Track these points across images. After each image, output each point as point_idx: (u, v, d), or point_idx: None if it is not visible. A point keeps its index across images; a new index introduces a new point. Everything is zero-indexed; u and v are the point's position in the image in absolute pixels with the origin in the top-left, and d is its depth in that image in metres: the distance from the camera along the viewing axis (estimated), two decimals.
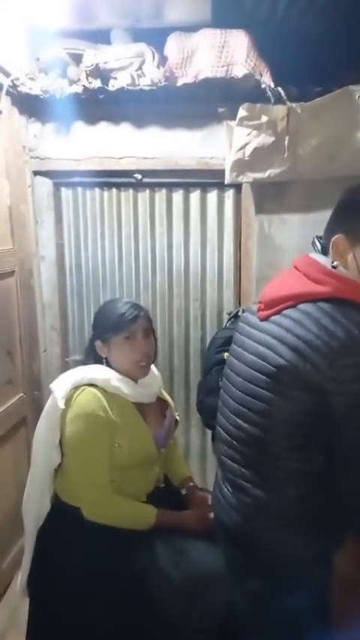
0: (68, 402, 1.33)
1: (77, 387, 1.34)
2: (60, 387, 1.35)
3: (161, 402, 1.53)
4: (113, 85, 2.00)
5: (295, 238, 2.07)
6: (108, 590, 1.26)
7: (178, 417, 1.57)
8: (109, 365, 1.42)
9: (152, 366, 1.49)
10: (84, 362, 1.47)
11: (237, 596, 1.19)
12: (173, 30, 2.04)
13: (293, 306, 1.03)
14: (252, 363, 1.08)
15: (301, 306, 1.02)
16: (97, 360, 1.44)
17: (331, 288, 1.01)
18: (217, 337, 2.10)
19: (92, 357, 1.45)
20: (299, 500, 1.03)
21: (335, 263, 1.05)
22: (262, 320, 1.10)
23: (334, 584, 1.04)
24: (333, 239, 1.05)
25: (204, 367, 2.16)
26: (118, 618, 1.25)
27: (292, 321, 1.01)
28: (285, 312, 1.04)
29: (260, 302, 1.14)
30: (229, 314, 2.20)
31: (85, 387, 1.34)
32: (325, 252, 1.11)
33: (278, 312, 1.05)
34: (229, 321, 2.19)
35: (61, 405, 1.32)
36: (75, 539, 1.32)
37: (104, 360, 1.42)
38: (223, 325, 2.21)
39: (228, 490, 1.16)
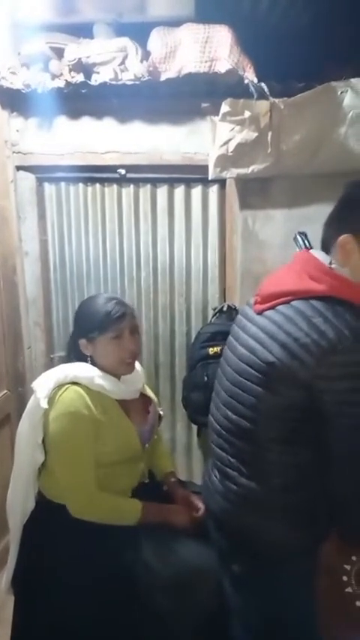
0: (51, 400, 1.32)
1: (60, 385, 1.33)
2: (42, 386, 1.34)
3: (145, 398, 1.53)
4: (96, 80, 1.99)
5: (280, 234, 2.08)
6: (94, 587, 1.26)
7: (161, 413, 1.58)
8: (93, 363, 1.40)
9: (136, 362, 1.49)
10: (66, 359, 1.46)
11: (225, 586, 1.20)
12: (156, 25, 2.03)
13: (287, 303, 1.04)
14: (243, 357, 1.09)
15: (295, 303, 1.02)
16: (80, 357, 1.42)
17: (326, 287, 1.02)
18: (202, 332, 2.12)
19: (74, 355, 1.43)
20: (285, 490, 1.05)
21: (333, 264, 1.05)
22: (257, 314, 1.11)
23: (319, 572, 1.06)
24: (340, 239, 1.04)
25: (189, 362, 2.18)
26: (105, 614, 1.25)
27: (284, 317, 1.02)
28: (279, 307, 1.05)
29: (257, 295, 1.15)
30: (214, 309, 2.21)
31: (69, 385, 1.34)
32: (324, 247, 1.10)
33: (272, 307, 1.06)
34: (214, 316, 2.20)
35: (44, 405, 1.31)
36: (60, 536, 1.32)
37: (88, 359, 1.41)
38: (209, 320, 2.22)
39: (216, 477, 1.18)
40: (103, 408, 1.34)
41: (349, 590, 1.02)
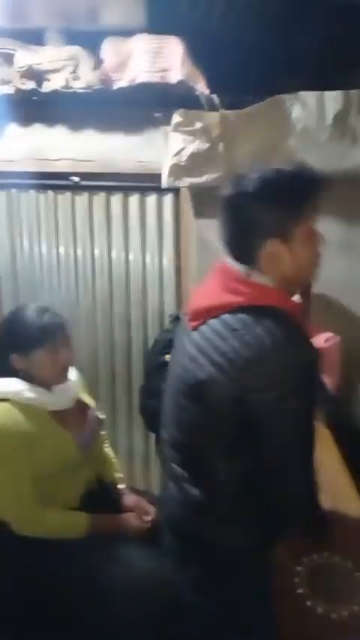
0: None
1: None
2: None
3: (81, 405, 1.51)
4: (47, 88, 1.97)
5: None
6: (46, 602, 1.24)
7: (102, 416, 1.56)
8: (25, 376, 1.36)
9: (72, 370, 1.47)
10: None
11: (181, 591, 1.21)
12: (108, 34, 2.04)
13: (216, 317, 1.03)
14: (179, 374, 1.10)
15: (225, 316, 1.01)
16: (10, 373, 1.36)
17: (245, 298, 1.01)
18: (159, 340, 2.12)
19: (3, 370, 1.37)
20: (234, 497, 1.07)
21: (253, 273, 1.03)
22: (191, 329, 1.10)
23: (273, 574, 1.08)
24: (268, 249, 1.00)
25: (146, 370, 2.17)
26: (59, 628, 1.24)
27: (214, 332, 1.01)
28: (210, 322, 1.04)
29: (188, 312, 1.14)
30: (171, 316, 2.22)
31: None
32: (241, 258, 1.06)
33: (204, 323, 1.05)
34: (170, 323, 2.21)
35: None
36: (6, 552, 1.29)
37: (20, 373, 1.36)
38: (165, 328, 2.22)
39: (170, 486, 1.18)
40: (35, 421, 1.32)
41: (300, 590, 1.04)
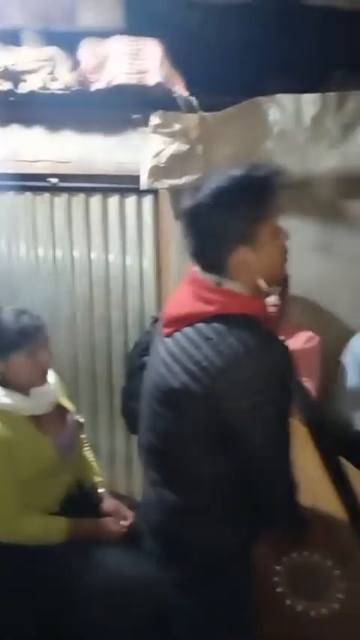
0: None
1: None
2: None
3: (60, 409, 1.50)
4: (24, 88, 1.95)
5: None
6: (25, 607, 1.23)
7: (81, 420, 1.55)
8: (2, 381, 1.36)
9: (51, 374, 1.46)
10: None
11: (165, 590, 1.21)
12: (85, 35, 2.03)
13: (190, 324, 1.02)
14: (154, 380, 1.10)
15: (198, 325, 1.01)
16: None
17: (217, 307, 1.00)
18: (140, 341, 2.11)
19: None
20: (211, 500, 1.07)
21: (224, 282, 1.03)
22: (165, 336, 1.09)
23: (253, 574, 1.09)
24: (237, 258, 1.00)
25: (127, 372, 2.16)
26: (39, 633, 1.23)
27: (188, 340, 1.01)
28: (184, 329, 1.03)
29: (163, 319, 1.13)
30: (152, 318, 2.22)
31: None
32: (209, 267, 1.05)
33: (178, 330, 1.05)
34: (151, 325, 2.21)
35: None
36: None
37: None
38: (146, 330, 2.22)
39: (148, 490, 1.19)
40: (13, 427, 1.32)
41: (280, 589, 1.05)
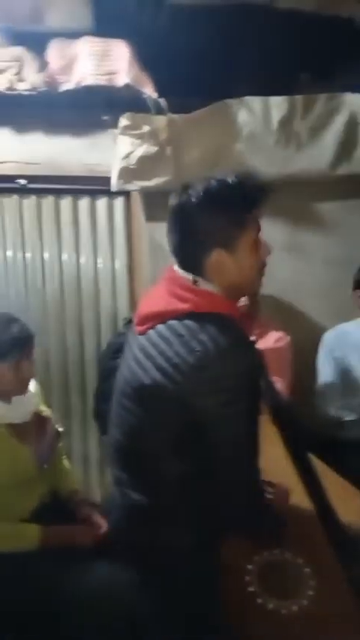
0: None
1: None
2: None
3: (40, 418, 1.48)
4: None
5: None
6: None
7: (60, 429, 1.53)
8: None
9: (32, 383, 1.44)
10: None
11: (137, 595, 1.20)
12: (53, 36, 2.01)
13: (163, 322, 1.03)
14: (125, 377, 1.10)
15: (171, 322, 1.02)
16: None
17: (190, 305, 1.02)
18: (113, 343, 2.09)
19: None
20: (176, 499, 1.07)
21: (201, 282, 1.04)
22: (138, 334, 1.10)
23: (223, 573, 1.09)
24: (213, 255, 1.01)
25: (99, 374, 2.15)
26: None
27: (160, 337, 1.02)
28: (157, 327, 1.04)
29: (136, 317, 1.14)
30: (125, 319, 2.21)
31: None
32: (187, 267, 1.06)
33: (151, 327, 1.06)
34: (124, 327, 2.20)
35: None
36: None
37: None
38: (118, 331, 2.21)
39: (114, 489, 1.18)
40: None
41: (251, 589, 1.06)
